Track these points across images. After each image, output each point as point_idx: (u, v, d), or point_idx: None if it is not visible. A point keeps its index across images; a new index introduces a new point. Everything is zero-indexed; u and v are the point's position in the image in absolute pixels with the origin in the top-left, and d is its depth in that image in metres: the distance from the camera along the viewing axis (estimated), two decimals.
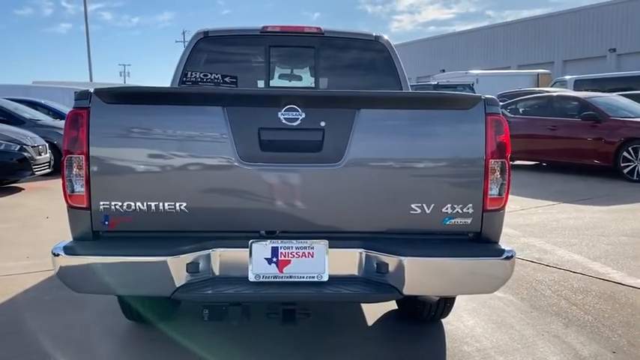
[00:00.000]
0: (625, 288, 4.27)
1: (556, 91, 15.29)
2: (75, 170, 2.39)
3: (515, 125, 11.53)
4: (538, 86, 22.57)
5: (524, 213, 7.28)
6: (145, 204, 2.41)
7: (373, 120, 2.47)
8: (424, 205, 2.48)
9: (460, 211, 2.49)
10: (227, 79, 4.16)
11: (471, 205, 2.49)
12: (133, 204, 2.41)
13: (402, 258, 2.40)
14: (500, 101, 13.84)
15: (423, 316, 3.46)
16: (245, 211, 2.48)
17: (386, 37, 4.23)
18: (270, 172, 2.44)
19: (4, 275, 4.49)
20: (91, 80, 30.60)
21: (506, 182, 2.53)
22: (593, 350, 3.20)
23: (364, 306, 3.82)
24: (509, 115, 12.00)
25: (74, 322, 3.54)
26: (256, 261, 2.46)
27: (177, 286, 2.37)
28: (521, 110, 12.21)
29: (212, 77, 4.15)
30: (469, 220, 2.51)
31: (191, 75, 4.12)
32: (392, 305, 3.73)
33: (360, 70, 4.34)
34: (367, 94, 2.76)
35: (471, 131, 2.48)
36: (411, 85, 15.83)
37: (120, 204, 2.41)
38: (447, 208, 2.49)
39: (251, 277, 2.45)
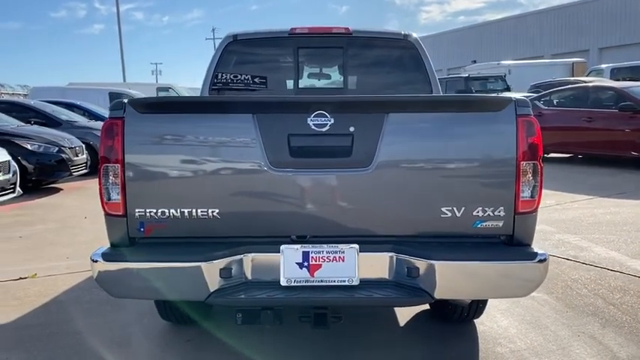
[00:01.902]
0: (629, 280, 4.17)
1: (592, 81, 14.93)
2: (111, 179, 2.46)
3: (549, 117, 11.35)
4: (573, 76, 22.03)
5: (559, 208, 7.15)
6: (178, 211, 2.47)
7: (402, 124, 2.47)
8: (454, 208, 2.47)
9: (491, 214, 2.47)
10: (257, 81, 4.20)
11: (502, 208, 2.47)
12: (167, 211, 2.47)
13: (433, 262, 2.39)
14: (534, 92, 13.65)
15: (455, 317, 3.45)
16: (276, 216, 2.51)
17: (415, 35, 4.20)
18: (300, 177, 2.47)
19: (45, 275, 4.64)
20: (124, 80, 31.16)
21: (538, 184, 2.50)
22: (631, 352, 3.14)
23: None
24: (542, 106, 11.77)
25: (113, 323, 3.64)
26: (288, 265, 2.49)
27: (211, 290, 2.42)
28: (555, 102, 11.96)
29: (242, 79, 4.20)
30: (500, 224, 2.49)
31: (221, 77, 4.18)
32: (424, 306, 3.72)
33: (389, 70, 4.33)
34: (396, 98, 2.76)
35: (502, 133, 2.46)
36: (441, 78, 15.63)
37: (155, 211, 2.47)
38: (477, 212, 2.47)
39: (283, 282, 2.49)
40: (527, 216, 2.51)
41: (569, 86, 12.77)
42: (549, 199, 7.73)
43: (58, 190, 9.60)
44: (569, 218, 6.53)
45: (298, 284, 2.49)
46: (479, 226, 2.49)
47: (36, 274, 4.66)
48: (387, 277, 2.52)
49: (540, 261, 2.43)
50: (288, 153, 2.44)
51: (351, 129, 2.44)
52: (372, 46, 4.26)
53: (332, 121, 2.43)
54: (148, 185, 2.49)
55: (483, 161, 2.49)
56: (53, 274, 4.67)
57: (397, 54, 4.26)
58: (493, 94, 3.16)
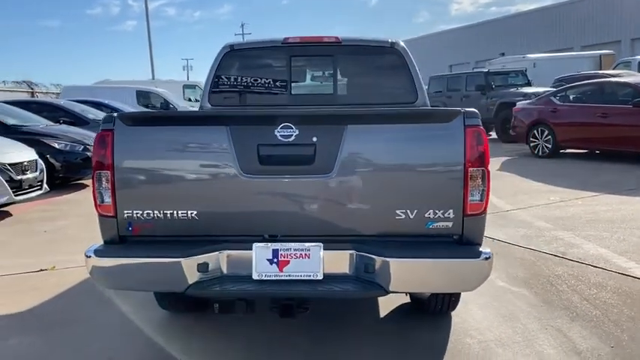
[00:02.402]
0: (615, 277, 4.32)
1: (618, 74, 14.80)
2: (103, 183, 2.80)
3: (564, 113, 11.38)
4: (601, 69, 21.68)
5: (562, 205, 7.27)
6: (162, 212, 2.79)
7: (360, 135, 2.74)
8: (408, 211, 2.72)
9: (442, 216, 2.72)
10: (252, 89, 4.51)
11: (451, 210, 2.72)
12: (152, 212, 2.79)
13: (387, 259, 2.66)
14: (558, 86, 13.58)
15: (431, 309, 3.69)
16: (248, 217, 2.81)
17: (402, 43, 4.43)
18: (269, 183, 2.76)
19: (63, 268, 5.05)
20: (153, 78, 31.88)
21: (485, 189, 2.73)
22: (591, 344, 3.34)
23: (380, 298, 4.06)
24: (558, 102, 11.78)
25: (118, 311, 3.99)
26: (259, 261, 2.79)
27: (190, 283, 2.73)
28: (571, 97, 11.94)
29: (238, 87, 4.51)
30: (451, 224, 2.73)
31: (219, 84, 4.49)
32: (405, 299, 3.96)
33: (376, 76, 4.57)
34: (354, 112, 3.01)
35: (451, 142, 2.70)
36: (461, 73, 15.74)
37: (141, 213, 2.80)
38: (429, 214, 2.72)
39: (255, 276, 2.78)
40: (476, 217, 2.75)
41: (585, 82, 12.71)
42: (555, 195, 7.86)
43: (84, 186, 10.12)
44: (569, 215, 6.66)
45: (268, 278, 2.79)
46: (431, 226, 2.74)
47: (55, 267, 5.08)
48: (347, 272, 2.79)
49: (484, 259, 2.67)
50: (258, 161, 2.73)
51: (314, 139, 2.72)
52: (360, 54, 4.52)
53: (297, 132, 2.71)
54: (135, 189, 2.81)
55: (434, 168, 2.74)
56: (71, 267, 5.06)
57: (384, 61, 4.50)
58: (444, 108, 3.29)
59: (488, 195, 2.76)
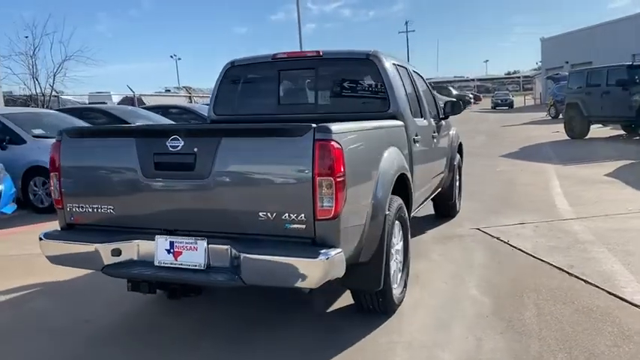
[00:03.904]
0: (622, 304, 3.98)
1: None
2: (54, 182, 3.58)
3: None
4: None
5: (631, 217, 6.61)
6: (90, 206, 3.49)
7: (231, 146, 3.16)
8: (268, 213, 3.07)
9: (296, 219, 3.02)
10: (248, 100, 5.07)
11: (304, 214, 3.00)
12: (85, 206, 3.51)
13: (246, 254, 3.04)
14: None
15: (365, 308, 3.91)
16: (151, 213, 3.39)
17: (378, 54, 4.60)
18: (162, 185, 3.30)
19: None
20: None
21: (333, 197, 2.96)
22: (492, 356, 3.31)
23: (330, 297, 4.31)
24: None
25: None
26: (160, 251, 3.34)
27: (105, 264, 3.38)
28: None
29: (236, 98, 5.10)
30: (304, 227, 3.02)
31: (222, 96, 5.13)
32: (350, 299, 4.15)
33: (353, 87, 4.82)
34: (225, 127, 3.42)
35: (302, 154, 2.98)
36: (601, 67, 14.51)
37: (78, 205, 3.53)
38: (285, 216, 3.04)
39: (156, 263, 3.34)
40: (327, 222, 3.00)
41: None
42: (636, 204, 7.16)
43: None
44: (624, 228, 6.08)
45: (165, 265, 3.32)
46: (288, 228, 3.05)
47: None
48: (226, 265, 3.21)
49: (324, 259, 2.90)
50: (154, 167, 3.29)
51: (195, 149, 3.19)
52: (337, 66, 4.82)
53: (182, 143, 3.21)
54: (73, 187, 3.55)
55: (289, 176, 3.05)
56: None
57: (359, 72, 4.75)
58: (297, 123, 3.31)
59: (338, 202, 2.98)
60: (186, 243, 3.29)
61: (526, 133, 19.86)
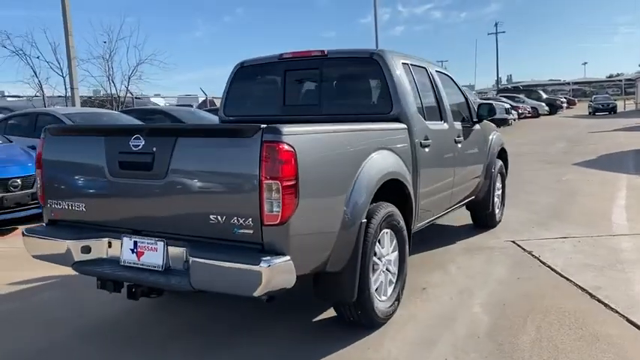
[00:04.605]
0: (638, 335, 3.50)
1: None
2: (39, 180, 3.67)
3: None
4: None
5: None
6: (67, 203, 3.54)
7: (186, 146, 3.07)
8: (218, 216, 2.96)
9: (244, 224, 2.88)
10: (256, 100, 5.01)
11: (251, 219, 2.86)
12: (61, 203, 3.57)
13: (194, 258, 2.95)
14: None
15: (346, 319, 3.71)
16: (118, 212, 3.38)
17: (383, 53, 4.37)
18: (125, 184, 3.28)
19: None
20: None
21: (280, 202, 2.79)
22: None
23: (322, 305, 4.13)
24: None
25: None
26: (125, 250, 3.33)
27: (75, 260, 3.42)
28: None
29: (245, 98, 5.05)
30: (252, 232, 2.87)
31: (231, 97, 5.09)
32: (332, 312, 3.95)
33: (355, 87, 4.60)
34: (182, 127, 3.31)
35: (249, 156, 2.83)
36: None
37: (56, 202, 3.60)
38: (234, 220, 2.91)
39: (121, 261, 3.33)
40: (275, 227, 2.83)
41: None
42: None
43: None
44: None
45: (129, 265, 3.31)
46: (237, 232, 2.92)
47: None
48: (180, 267, 3.14)
49: (263, 267, 2.74)
50: (119, 166, 3.28)
51: (154, 149, 3.14)
52: (341, 66, 4.61)
53: (143, 142, 3.18)
54: (52, 184, 3.62)
55: (237, 179, 2.92)
56: None
57: (363, 72, 4.51)
58: (247, 124, 3.07)
59: (286, 207, 2.81)
60: (147, 243, 3.25)
61: (612, 140, 18.38)
